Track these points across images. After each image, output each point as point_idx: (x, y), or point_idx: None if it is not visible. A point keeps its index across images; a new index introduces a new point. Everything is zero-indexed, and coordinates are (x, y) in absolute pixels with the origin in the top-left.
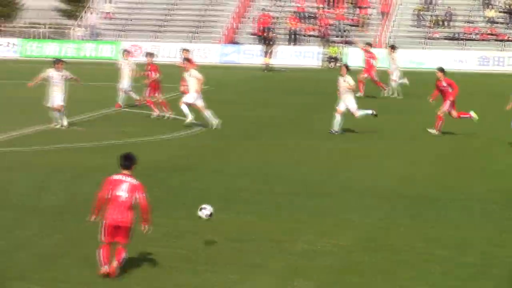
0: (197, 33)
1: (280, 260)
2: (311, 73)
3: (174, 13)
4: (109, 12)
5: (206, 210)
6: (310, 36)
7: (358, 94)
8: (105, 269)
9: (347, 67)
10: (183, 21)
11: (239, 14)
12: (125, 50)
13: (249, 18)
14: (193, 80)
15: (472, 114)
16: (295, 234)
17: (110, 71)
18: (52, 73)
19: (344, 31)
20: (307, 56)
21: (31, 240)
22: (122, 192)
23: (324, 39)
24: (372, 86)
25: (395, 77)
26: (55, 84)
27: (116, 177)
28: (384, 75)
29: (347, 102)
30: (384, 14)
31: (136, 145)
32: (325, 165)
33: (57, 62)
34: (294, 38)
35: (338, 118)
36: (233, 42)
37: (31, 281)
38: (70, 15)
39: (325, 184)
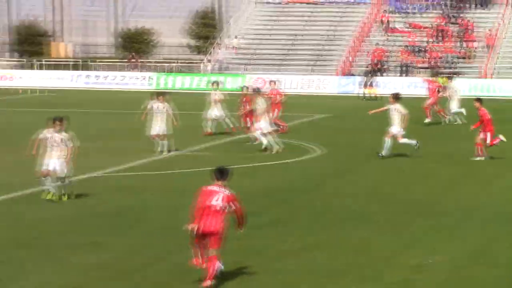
0: (316, 66)
1: (393, 273)
2: (421, 101)
3: (295, 48)
4: (235, 47)
5: None
6: (420, 68)
7: (427, 120)
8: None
9: (395, 96)
10: (303, 55)
11: (354, 49)
12: (214, 82)
13: (364, 52)
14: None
15: (501, 137)
16: (408, 249)
17: (235, 101)
18: (156, 105)
19: (452, 63)
20: (417, 86)
21: (167, 254)
22: (217, 202)
23: (434, 70)
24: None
25: (453, 106)
26: (156, 114)
27: (211, 188)
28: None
29: (394, 127)
30: (489, 46)
31: (261, 167)
32: (436, 186)
33: (159, 95)
34: (405, 70)
35: (388, 142)
36: (349, 74)
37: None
38: (200, 50)
39: (437, 204)
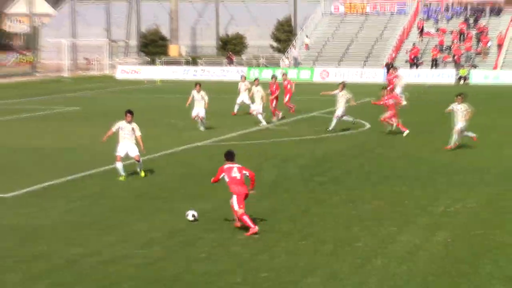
0: (368, 60)
1: (425, 218)
2: (447, 88)
3: (352, 47)
4: (307, 44)
5: (189, 216)
6: (446, 62)
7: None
8: (256, 228)
9: (343, 85)
10: (358, 52)
11: (397, 47)
12: (242, 75)
13: (404, 50)
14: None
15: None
16: (437, 200)
17: (308, 89)
18: (194, 94)
19: (471, 58)
20: (444, 76)
21: (251, 204)
22: (236, 174)
23: (457, 64)
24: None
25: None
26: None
27: (227, 166)
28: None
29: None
30: (500, 45)
31: (323, 138)
32: (455, 151)
33: (196, 84)
34: (435, 63)
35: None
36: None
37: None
38: (280, 50)
39: (456, 164)
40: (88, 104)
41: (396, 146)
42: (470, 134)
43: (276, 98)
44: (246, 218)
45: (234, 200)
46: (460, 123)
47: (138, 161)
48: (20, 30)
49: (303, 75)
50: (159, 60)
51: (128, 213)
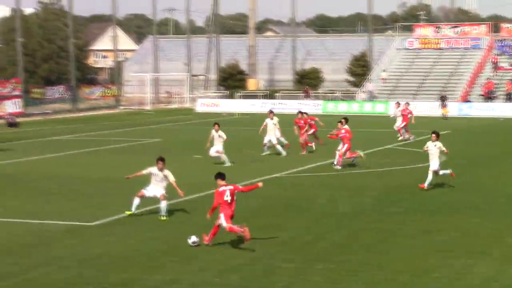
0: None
1: (501, 249)
2: None
3: (426, 81)
4: (384, 78)
5: (190, 240)
6: None
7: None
8: (247, 230)
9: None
10: (432, 86)
11: (471, 81)
12: (270, 111)
13: (478, 84)
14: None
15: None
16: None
17: (382, 122)
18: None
19: None
20: None
21: (327, 234)
22: (228, 197)
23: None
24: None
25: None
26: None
27: (222, 189)
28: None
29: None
30: None
31: (397, 170)
32: None
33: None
34: (509, 97)
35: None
36: (467, 100)
37: (328, 262)
38: (355, 84)
39: None
40: (169, 136)
41: (468, 178)
42: (446, 172)
43: (308, 132)
44: (234, 227)
45: (222, 218)
46: (434, 162)
47: (164, 200)
48: (105, 65)
49: (378, 108)
50: (237, 94)
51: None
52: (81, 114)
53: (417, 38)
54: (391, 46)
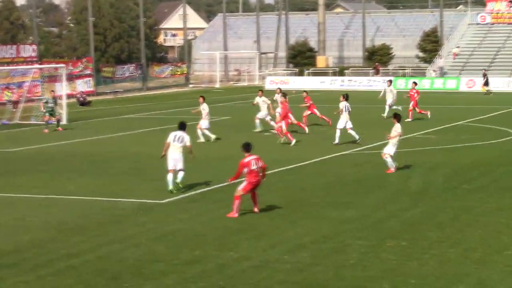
0: None
1: None
2: None
3: (498, 56)
4: (455, 53)
5: None
6: None
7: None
8: (235, 215)
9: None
10: (504, 62)
11: None
12: (259, 90)
13: None
14: None
15: None
16: None
17: (454, 98)
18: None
19: None
20: None
21: (399, 212)
22: (254, 166)
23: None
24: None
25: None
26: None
27: (247, 159)
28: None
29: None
30: None
31: (468, 147)
32: None
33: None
34: None
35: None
36: None
37: (400, 239)
38: (426, 60)
39: None
40: (238, 114)
41: None
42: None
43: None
44: (237, 202)
45: (243, 184)
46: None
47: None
48: (175, 43)
49: (449, 84)
50: (307, 71)
51: (278, 219)
52: (151, 92)
53: (490, 13)
54: (463, 21)
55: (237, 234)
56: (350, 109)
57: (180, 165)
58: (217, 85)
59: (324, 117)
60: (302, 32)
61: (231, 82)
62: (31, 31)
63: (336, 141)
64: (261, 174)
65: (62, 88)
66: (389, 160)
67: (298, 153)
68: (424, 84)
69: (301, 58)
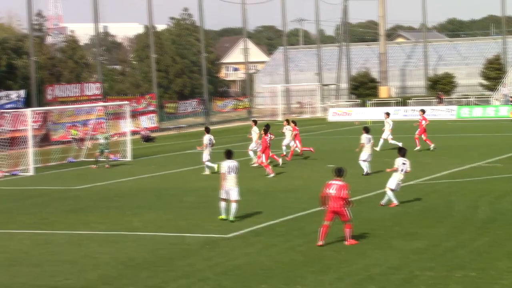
0: None
1: None
2: None
3: None
4: None
5: None
6: None
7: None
8: (320, 243)
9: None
10: None
11: None
12: (253, 120)
13: None
14: None
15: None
16: None
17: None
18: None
19: None
20: None
21: (467, 242)
22: (332, 191)
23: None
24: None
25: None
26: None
27: (330, 181)
28: None
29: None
30: None
31: None
32: None
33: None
34: None
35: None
36: None
37: (469, 269)
38: (489, 88)
39: None
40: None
41: None
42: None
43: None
44: (321, 230)
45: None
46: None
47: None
48: (236, 77)
49: None
50: (369, 102)
51: (345, 251)
52: (214, 127)
53: None
54: None
55: (304, 267)
56: (372, 141)
57: (234, 196)
58: (280, 118)
59: (306, 149)
60: (363, 63)
61: (294, 115)
62: (95, 69)
63: (365, 170)
64: (341, 203)
65: (127, 125)
66: (389, 193)
67: (361, 184)
68: (489, 112)
69: (363, 89)
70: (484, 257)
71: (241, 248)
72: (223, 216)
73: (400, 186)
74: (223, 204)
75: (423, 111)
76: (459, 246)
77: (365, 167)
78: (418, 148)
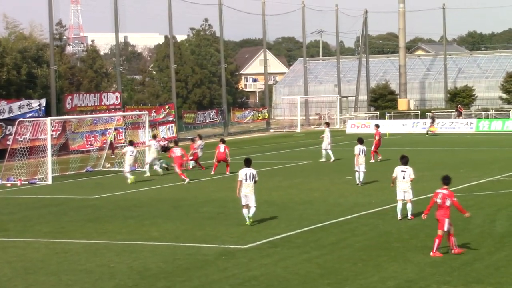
0: None
1: None
2: None
3: None
4: None
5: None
6: None
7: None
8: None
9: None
10: None
11: None
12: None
13: None
14: None
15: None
16: None
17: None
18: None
19: None
20: None
21: (484, 255)
22: (438, 199)
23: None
24: None
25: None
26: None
27: (437, 190)
28: None
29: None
30: None
31: None
32: None
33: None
34: None
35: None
36: None
37: (486, 284)
38: (509, 101)
39: None
40: (319, 158)
41: None
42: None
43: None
44: (437, 241)
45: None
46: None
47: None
48: (255, 88)
49: None
50: (388, 114)
51: (362, 263)
52: (232, 137)
53: None
54: None
55: (320, 279)
56: (366, 153)
57: (252, 203)
58: (298, 130)
59: (199, 165)
60: (383, 75)
61: (312, 127)
62: (115, 79)
63: (357, 181)
64: (444, 212)
65: (145, 135)
66: (399, 205)
67: (379, 196)
68: (508, 125)
69: (382, 101)
70: (502, 271)
71: (258, 259)
72: (249, 221)
73: (411, 194)
74: (246, 211)
75: (377, 126)
76: (477, 259)
77: (357, 177)
78: (372, 161)
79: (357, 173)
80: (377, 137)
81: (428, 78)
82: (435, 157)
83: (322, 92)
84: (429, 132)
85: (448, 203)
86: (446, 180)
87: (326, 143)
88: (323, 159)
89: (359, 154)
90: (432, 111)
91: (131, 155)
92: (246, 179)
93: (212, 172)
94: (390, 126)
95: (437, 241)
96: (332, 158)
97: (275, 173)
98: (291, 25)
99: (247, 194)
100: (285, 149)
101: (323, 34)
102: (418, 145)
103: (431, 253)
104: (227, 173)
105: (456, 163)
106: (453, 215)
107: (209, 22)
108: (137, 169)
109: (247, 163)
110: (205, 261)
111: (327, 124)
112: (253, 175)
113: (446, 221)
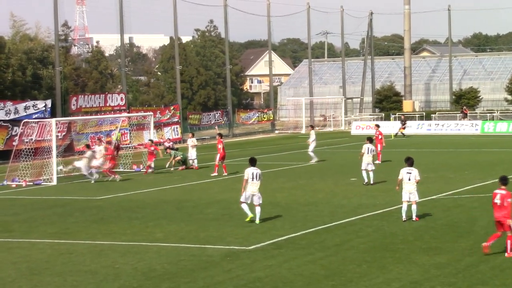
0: None
1: None
2: None
3: None
4: None
5: None
6: None
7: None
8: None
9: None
10: None
11: None
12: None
13: None
14: None
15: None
16: None
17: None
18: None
19: None
20: None
21: (490, 257)
22: (497, 200)
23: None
24: None
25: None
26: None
27: (495, 190)
28: None
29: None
30: None
31: None
32: None
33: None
34: None
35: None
36: None
37: (491, 285)
38: None
39: None
40: (323, 160)
41: None
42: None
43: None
44: (509, 242)
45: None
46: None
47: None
48: (260, 90)
49: None
50: (393, 115)
51: (366, 265)
52: (237, 139)
53: None
54: None
55: (324, 280)
56: (374, 152)
57: (257, 200)
58: (303, 131)
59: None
60: (388, 77)
61: (317, 128)
62: (120, 80)
63: (365, 180)
64: (504, 213)
65: (150, 136)
66: (405, 206)
67: (384, 198)
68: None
69: (387, 102)
70: (507, 273)
71: (262, 260)
72: (251, 216)
73: (416, 196)
74: (245, 205)
75: (378, 126)
76: (482, 261)
77: (365, 177)
78: (378, 162)
79: (364, 172)
80: (380, 136)
81: (433, 80)
82: (440, 158)
83: (327, 93)
84: (398, 134)
85: (506, 203)
86: (504, 181)
87: (313, 146)
88: (314, 160)
89: (367, 153)
90: (403, 115)
91: (88, 158)
92: (252, 178)
93: (214, 174)
94: (395, 127)
95: (509, 242)
96: (314, 160)
97: (279, 174)
98: (296, 27)
99: (254, 192)
100: (290, 151)
101: (328, 35)
102: (421, 146)
103: (506, 254)
104: (225, 173)
105: (460, 164)
106: (455, 217)
107: (214, 23)
108: (141, 170)
109: (252, 162)
110: (209, 262)
111: (312, 127)
112: (259, 174)
113: (508, 221)
